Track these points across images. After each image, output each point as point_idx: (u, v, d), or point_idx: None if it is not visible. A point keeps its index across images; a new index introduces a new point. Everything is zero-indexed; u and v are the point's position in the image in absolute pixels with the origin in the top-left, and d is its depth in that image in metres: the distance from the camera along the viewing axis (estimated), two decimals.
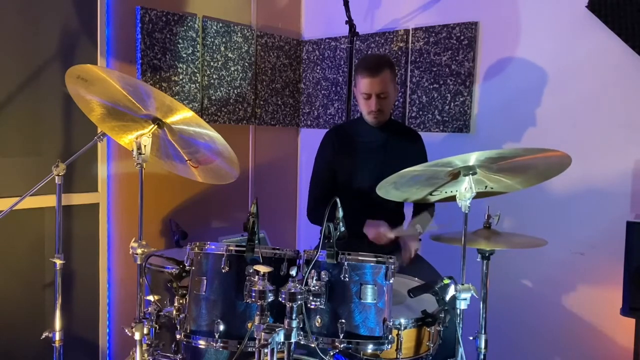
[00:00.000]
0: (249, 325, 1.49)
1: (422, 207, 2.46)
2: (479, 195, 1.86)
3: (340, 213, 1.55)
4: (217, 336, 1.49)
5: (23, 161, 2.39)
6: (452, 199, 1.77)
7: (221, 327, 1.49)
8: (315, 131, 3.56)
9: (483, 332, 1.89)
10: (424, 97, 3.03)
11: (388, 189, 1.86)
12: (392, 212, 2.43)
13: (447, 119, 2.95)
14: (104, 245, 2.67)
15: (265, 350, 1.36)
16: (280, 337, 1.39)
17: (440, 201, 2.02)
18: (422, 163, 2.07)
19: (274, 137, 3.55)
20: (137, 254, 1.76)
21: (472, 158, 1.61)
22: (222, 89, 3.12)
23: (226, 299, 1.52)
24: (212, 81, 3.07)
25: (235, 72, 3.19)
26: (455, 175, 1.76)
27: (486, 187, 1.88)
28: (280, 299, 1.42)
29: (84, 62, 1.70)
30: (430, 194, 1.93)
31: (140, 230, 1.80)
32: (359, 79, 2.34)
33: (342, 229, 1.53)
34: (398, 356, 1.65)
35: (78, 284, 2.60)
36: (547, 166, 1.79)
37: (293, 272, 1.45)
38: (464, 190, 1.67)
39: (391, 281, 1.55)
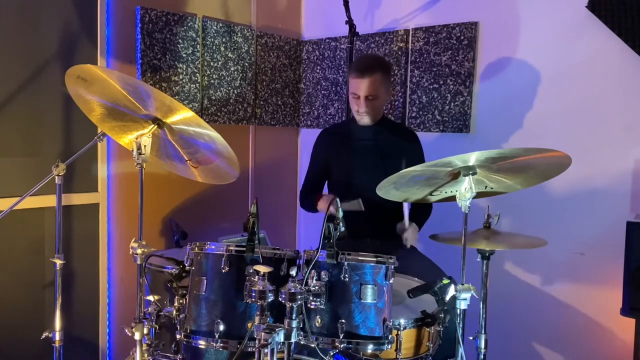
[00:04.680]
0: (249, 325, 1.49)
1: (419, 206, 2.46)
2: (479, 195, 1.86)
3: (340, 213, 1.55)
4: (217, 336, 1.49)
5: (23, 161, 2.39)
6: (452, 199, 1.77)
7: (221, 327, 1.49)
8: (315, 131, 3.54)
9: (483, 332, 1.89)
10: (424, 97, 3.03)
11: (388, 189, 1.86)
12: (389, 210, 2.43)
13: (447, 119, 2.95)
14: (104, 245, 2.67)
15: (265, 350, 1.36)
16: (280, 337, 1.39)
17: (440, 201, 2.02)
18: (418, 162, 2.09)
19: (274, 137, 3.55)
20: (137, 254, 1.76)
21: (472, 158, 1.61)
22: (222, 89, 3.12)
23: (226, 299, 1.52)
24: (212, 81, 3.07)
25: (235, 72, 3.19)
26: (455, 176, 1.76)
27: (486, 187, 1.88)
28: (280, 299, 1.42)
29: (84, 62, 1.70)
30: (430, 194, 1.93)
31: (140, 230, 1.80)
32: (350, 78, 2.38)
33: (342, 229, 1.54)
34: (398, 356, 1.65)
35: (78, 284, 2.60)
36: (547, 166, 1.79)
37: (293, 272, 1.45)
38: (464, 190, 1.67)
39: (391, 281, 1.55)
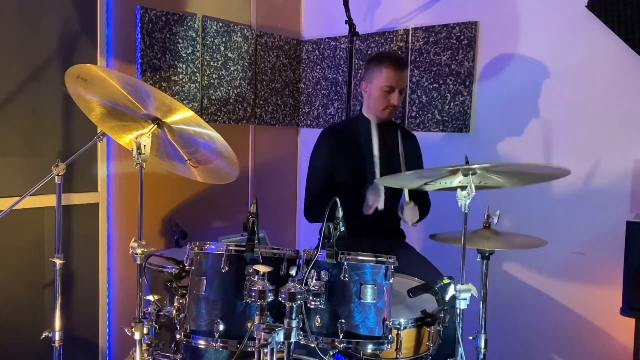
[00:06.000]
0: (249, 325, 1.49)
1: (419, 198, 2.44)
2: (476, 189, 1.87)
3: (340, 213, 1.55)
4: (217, 336, 1.49)
5: (23, 161, 2.39)
6: (448, 188, 1.77)
7: (221, 327, 1.49)
8: (315, 131, 3.55)
9: (483, 332, 1.89)
10: (424, 97, 3.03)
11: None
12: (390, 210, 2.42)
13: (447, 119, 2.95)
14: (104, 245, 2.67)
15: (265, 350, 1.36)
16: (280, 337, 1.39)
17: (436, 191, 2.01)
18: (418, 161, 2.17)
19: (274, 137, 3.55)
20: (137, 254, 1.76)
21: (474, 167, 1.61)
22: (222, 89, 3.12)
23: (226, 299, 1.52)
24: (212, 81, 3.07)
25: (235, 72, 3.19)
26: (454, 172, 1.76)
27: (480, 182, 1.87)
28: (280, 299, 1.42)
29: (84, 62, 1.70)
30: (426, 183, 1.93)
31: (140, 230, 1.80)
32: (383, 71, 2.34)
33: (342, 229, 1.54)
34: (398, 356, 1.65)
35: (78, 284, 2.60)
36: (545, 173, 1.77)
37: (293, 272, 1.45)
38: (464, 192, 1.67)
39: (391, 281, 1.55)
